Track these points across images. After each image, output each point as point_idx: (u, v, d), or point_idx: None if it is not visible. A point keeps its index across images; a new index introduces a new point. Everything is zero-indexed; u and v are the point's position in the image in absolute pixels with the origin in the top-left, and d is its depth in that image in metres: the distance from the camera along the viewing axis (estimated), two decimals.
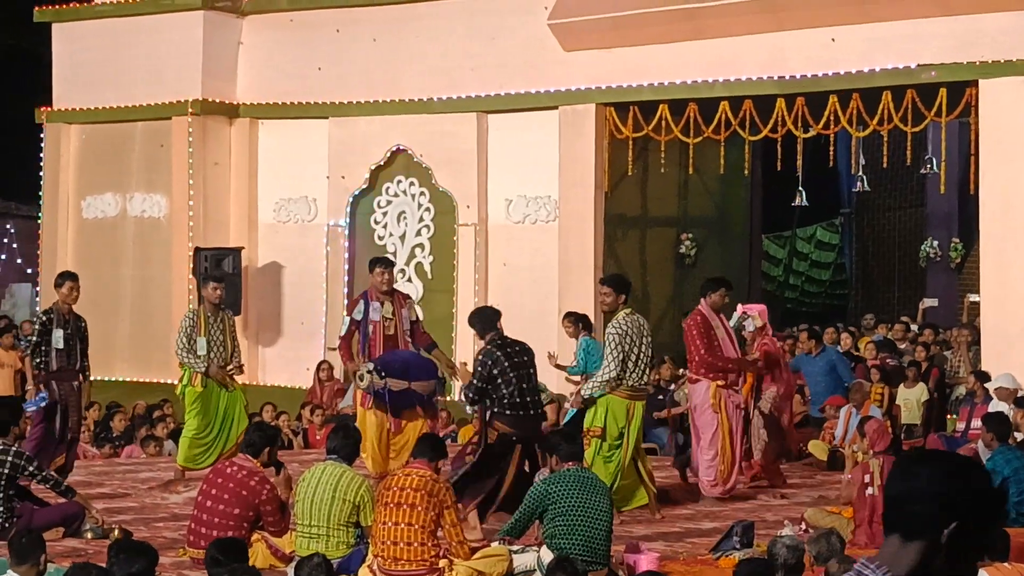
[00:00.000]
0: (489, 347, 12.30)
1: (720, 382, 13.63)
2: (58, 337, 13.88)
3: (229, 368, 14.67)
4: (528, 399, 12.25)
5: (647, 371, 13.26)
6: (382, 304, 14.05)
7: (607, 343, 12.81)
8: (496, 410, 12.15)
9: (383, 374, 13.54)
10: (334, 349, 14.82)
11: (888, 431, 12.61)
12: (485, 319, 12.74)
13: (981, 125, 17.68)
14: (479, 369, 12.22)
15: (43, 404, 13.84)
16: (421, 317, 14.91)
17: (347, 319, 14.48)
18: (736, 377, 13.98)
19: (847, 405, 17.04)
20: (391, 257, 20.76)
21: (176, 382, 15.13)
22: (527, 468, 12.21)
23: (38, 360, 13.93)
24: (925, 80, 17.85)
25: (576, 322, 16.34)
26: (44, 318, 14.02)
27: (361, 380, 13.69)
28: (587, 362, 15.70)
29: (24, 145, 25.44)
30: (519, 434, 12.15)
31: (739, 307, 15.79)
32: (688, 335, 13.82)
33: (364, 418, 14.00)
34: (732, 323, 15.07)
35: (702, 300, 13.96)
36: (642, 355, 12.85)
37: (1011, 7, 17.29)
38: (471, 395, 12.32)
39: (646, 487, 13.06)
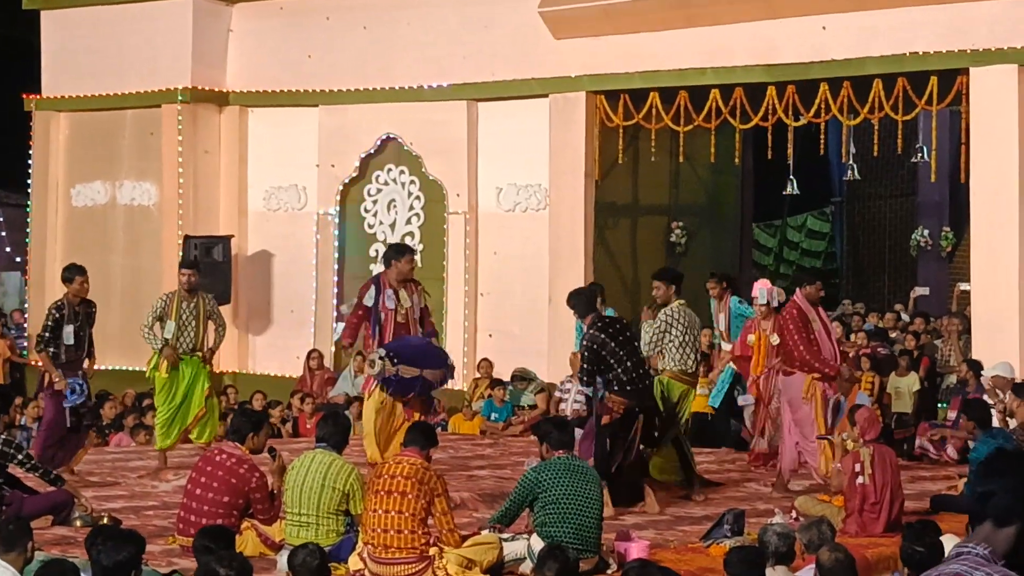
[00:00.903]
0: (592, 331, 12.65)
1: (816, 375, 13.61)
2: (68, 333, 14.06)
3: (197, 355, 14.83)
4: (641, 371, 12.68)
5: (696, 359, 13.76)
6: (396, 292, 13.95)
7: (655, 329, 13.58)
8: (616, 388, 12.50)
9: (395, 361, 13.52)
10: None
11: (878, 419, 12.60)
12: (584, 300, 13.16)
13: (972, 113, 17.64)
14: (586, 354, 12.62)
15: (83, 398, 14.07)
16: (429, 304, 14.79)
17: (353, 300, 14.40)
18: (833, 372, 13.83)
19: (835, 394, 17.01)
20: (382, 245, 20.80)
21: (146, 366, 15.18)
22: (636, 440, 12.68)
23: (52, 350, 14.02)
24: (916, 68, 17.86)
25: None
26: (57, 314, 14.08)
27: (372, 366, 13.58)
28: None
29: (13, 133, 25.35)
30: (640, 404, 12.60)
31: (763, 283, 15.54)
32: (785, 329, 13.73)
33: (366, 406, 13.95)
34: (762, 299, 15.05)
35: (797, 291, 13.89)
36: (690, 344, 13.53)
37: None
38: (584, 378, 12.73)
39: (687, 469, 13.59)
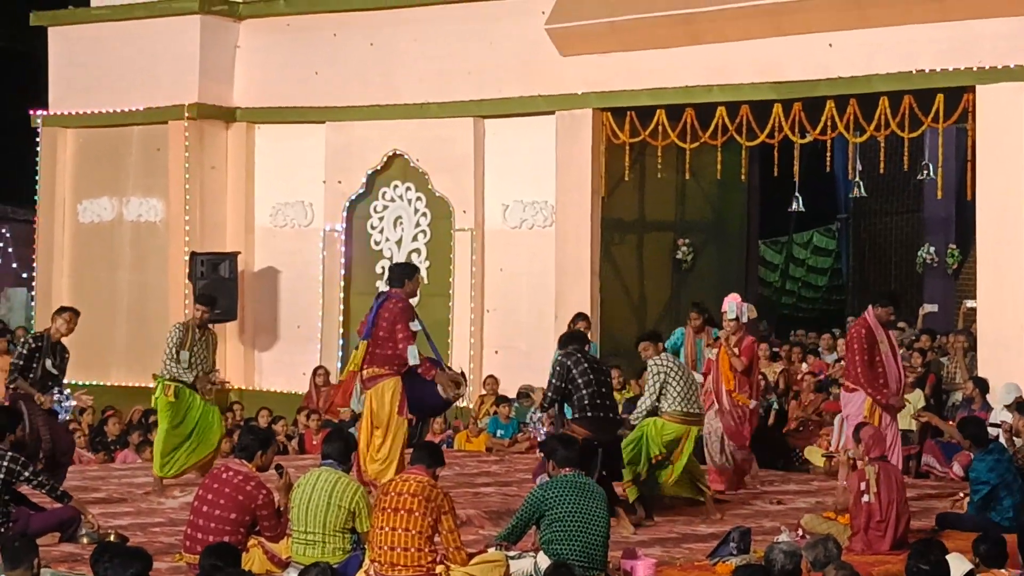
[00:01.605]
0: (566, 350, 12.74)
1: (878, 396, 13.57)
2: (49, 365, 13.77)
3: (213, 379, 14.76)
4: (606, 402, 12.60)
5: (699, 399, 13.49)
6: None
7: (648, 379, 13.26)
8: (577, 415, 12.49)
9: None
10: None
11: (883, 437, 12.58)
12: (567, 337, 13.30)
13: (978, 131, 17.67)
14: (557, 369, 12.66)
15: (72, 405, 14.02)
16: None
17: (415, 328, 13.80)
18: (884, 400, 13.70)
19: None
20: (388, 262, 20.85)
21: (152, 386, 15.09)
22: (604, 473, 12.38)
23: (27, 378, 13.77)
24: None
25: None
26: (34, 344, 13.85)
27: (459, 387, 13.40)
28: None
29: (20, 148, 25.39)
30: (599, 438, 12.41)
31: (733, 297, 15.41)
32: (850, 347, 13.63)
33: (400, 425, 13.33)
34: (731, 314, 14.93)
35: (869, 309, 13.80)
36: (690, 385, 13.20)
37: (1008, 12, 17.27)
38: (550, 394, 12.74)
39: (702, 492, 13.51)
